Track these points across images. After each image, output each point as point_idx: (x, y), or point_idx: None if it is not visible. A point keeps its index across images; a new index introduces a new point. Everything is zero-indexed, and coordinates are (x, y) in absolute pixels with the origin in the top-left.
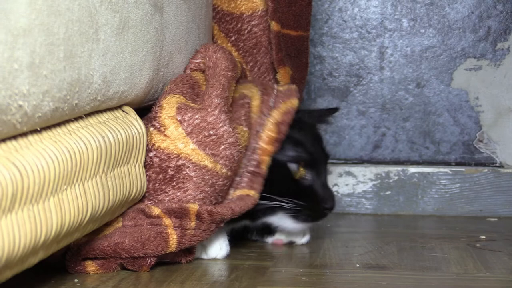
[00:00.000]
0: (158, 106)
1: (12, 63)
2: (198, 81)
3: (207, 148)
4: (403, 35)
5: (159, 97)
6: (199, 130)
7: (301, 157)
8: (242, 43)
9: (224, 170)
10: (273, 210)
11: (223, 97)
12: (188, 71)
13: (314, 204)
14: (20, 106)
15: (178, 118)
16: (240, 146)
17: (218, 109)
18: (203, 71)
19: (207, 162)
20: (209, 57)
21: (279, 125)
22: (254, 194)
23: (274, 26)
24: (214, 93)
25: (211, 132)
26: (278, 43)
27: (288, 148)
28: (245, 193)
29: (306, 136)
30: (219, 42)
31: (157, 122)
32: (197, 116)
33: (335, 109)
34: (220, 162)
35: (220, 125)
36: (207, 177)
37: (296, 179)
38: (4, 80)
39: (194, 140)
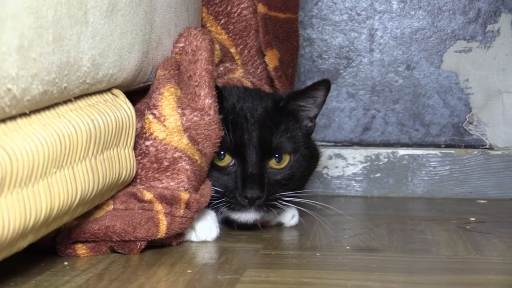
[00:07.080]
0: (158, 94)
1: (1, 46)
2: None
3: (195, 144)
4: (393, 17)
5: (155, 83)
6: (196, 127)
7: None
8: (232, 26)
9: (205, 167)
10: None
11: (212, 95)
12: (173, 55)
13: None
14: (9, 89)
15: (179, 111)
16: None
17: (212, 109)
18: None
19: (197, 157)
20: (190, 43)
21: None
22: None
23: (261, 8)
24: (202, 93)
25: (204, 131)
26: (265, 26)
27: None
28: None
29: None
30: (208, 25)
31: (157, 111)
32: (196, 113)
33: None
34: (204, 158)
35: (213, 125)
36: (198, 171)
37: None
38: None
39: (187, 134)
